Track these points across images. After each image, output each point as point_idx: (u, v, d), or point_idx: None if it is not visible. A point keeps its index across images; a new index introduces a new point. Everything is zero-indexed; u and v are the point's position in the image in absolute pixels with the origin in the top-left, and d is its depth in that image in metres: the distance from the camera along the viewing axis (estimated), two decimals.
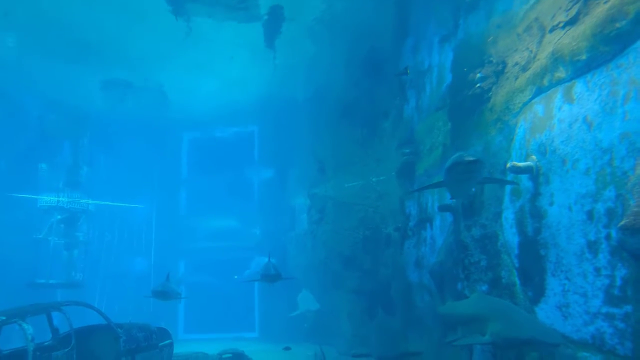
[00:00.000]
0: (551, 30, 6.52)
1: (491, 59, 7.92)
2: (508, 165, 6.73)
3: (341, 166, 15.33)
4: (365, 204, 13.77)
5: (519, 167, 6.53)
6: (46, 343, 8.29)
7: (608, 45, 5.28)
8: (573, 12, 6.06)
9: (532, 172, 6.45)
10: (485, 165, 6.31)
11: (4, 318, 6.76)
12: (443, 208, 9.29)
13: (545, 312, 6.15)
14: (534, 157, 6.47)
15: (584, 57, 5.62)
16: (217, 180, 23.27)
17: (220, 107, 18.99)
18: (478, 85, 8.00)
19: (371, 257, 13.33)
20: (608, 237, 5.20)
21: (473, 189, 7.38)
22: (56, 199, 17.97)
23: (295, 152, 19.26)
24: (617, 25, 5.15)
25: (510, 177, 7.04)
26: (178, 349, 11.26)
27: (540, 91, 6.52)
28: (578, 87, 5.76)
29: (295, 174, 19.97)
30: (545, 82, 6.37)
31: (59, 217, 17.98)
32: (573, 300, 5.70)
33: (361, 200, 13.92)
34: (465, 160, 5.69)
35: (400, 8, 12.02)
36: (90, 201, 18.95)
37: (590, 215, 5.46)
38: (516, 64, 7.29)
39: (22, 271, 16.69)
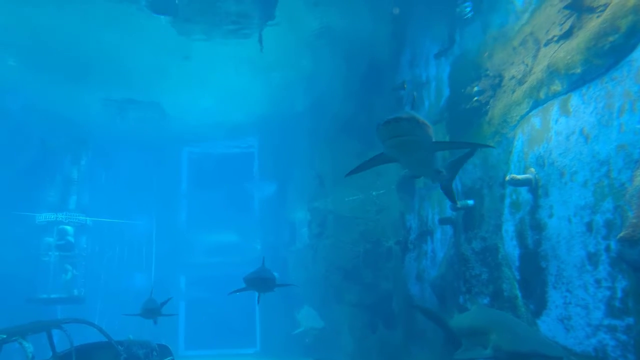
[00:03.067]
0: (546, 44, 6.62)
1: (488, 72, 8.00)
2: (507, 177, 6.77)
3: (341, 180, 15.35)
4: (365, 218, 13.77)
5: (518, 180, 6.57)
6: None
7: (602, 58, 5.36)
8: (567, 26, 6.15)
9: (531, 185, 6.49)
10: (423, 126, 4.64)
11: (4, 336, 6.74)
12: (443, 221, 9.30)
13: (547, 325, 6.14)
14: (532, 169, 6.52)
15: (578, 70, 5.69)
16: (217, 195, 23.28)
17: (219, 123, 19.07)
18: (475, 98, 8.08)
19: (372, 271, 13.31)
20: (607, 248, 5.21)
21: (433, 164, 5.83)
22: (55, 215, 17.97)
23: (294, 166, 19.31)
24: (610, 39, 5.23)
25: (509, 189, 7.08)
26: None
27: (537, 104, 6.59)
28: (574, 99, 5.82)
29: (295, 188, 19.99)
30: (542, 95, 6.44)
31: (58, 233, 17.96)
32: (575, 313, 5.69)
33: (361, 213, 13.92)
34: (386, 120, 4.60)
35: (397, 23, 12.15)
36: (89, 218, 18.94)
37: (589, 227, 5.48)
38: (513, 77, 7.37)
39: (21, 287, 16.63)
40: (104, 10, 11.54)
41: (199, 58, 13.84)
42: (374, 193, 13.72)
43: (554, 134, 6.16)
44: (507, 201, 7.15)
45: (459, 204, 8.11)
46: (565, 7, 6.12)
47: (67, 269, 17.79)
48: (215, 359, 18.83)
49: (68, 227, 18.13)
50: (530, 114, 6.74)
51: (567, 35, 6.14)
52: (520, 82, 7.10)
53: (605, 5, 5.47)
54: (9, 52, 13.72)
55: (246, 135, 21.19)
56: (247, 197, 24.12)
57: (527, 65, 7.03)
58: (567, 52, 5.94)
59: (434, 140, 4.98)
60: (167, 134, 19.86)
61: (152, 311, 10.83)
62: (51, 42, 12.96)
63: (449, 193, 6.64)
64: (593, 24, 5.60)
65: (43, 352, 8.03)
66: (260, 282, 9.25)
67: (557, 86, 6.11)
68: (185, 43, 13.06)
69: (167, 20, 12.12)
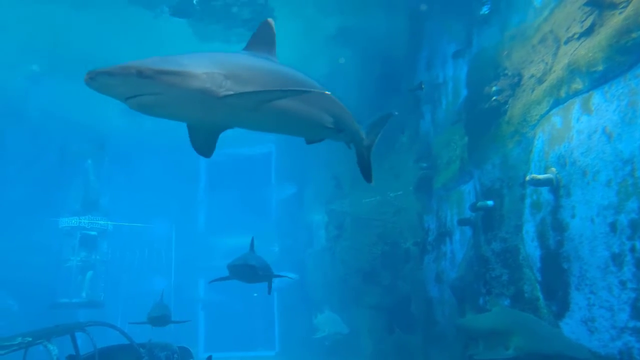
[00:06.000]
0: (566, 42, 6.52)
1: (506, 71, 7.91)
2: (527, 178, 6.69)
3: (358, 182, 15.28)
4: (383, 219, 13.71)
5: (539, 180, 6.48)
6: None
7: (624, 55, 5.26)
8: (588, 23, 6.05)
9: (552, 185, 6.40)
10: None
11: (30, 339, 6.86)
12: (462, 222, 9.22)
13: (571, 327, 6.03)
14: (553, 169, 6.42)
15: (600, 67, 5.59)
16: (235, 198, 23.43)
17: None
18: (494, 98, 7.99)
19: (390, 273, 13.25)
20: (632, 249, 5.11)
21: None
22: (77, 220, 18.25)
23: (311, 168, 19.33)
24: (633, 35, 5.14)
25: (529, 190, 6.99)
26: None
27: (557, 103, 6.49)
28: (596, 98, 5.73)
29: (312, 190, 20.02)
30: (562, 93, 6.35)
31: (79, 238, 18.24)
32: (599, 315, 5.59)
33: (379, 215, 13.87)
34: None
35: (413, 23, 12.10)
36: (110, 222, 19.21)
37: (613, 227, 5.38)
38: (532, 76, 7.28)
39: (44, 292, 16.94)
40: (123, 15, 11.72)
41: None
42: (391, 194, 13.66)
43: (575, 132, 6.06)
44: (528, 201, 7.06)
45: (479, 204, 8.04)
46: (586, 4, 6.03)
47: (88, 273, 18.06)
48: None
49: (89, 232, 18.40)
50: (550, 112, 6.65)
51: (588, 32, 6.04)
52: (540, 81, 7.00)
53: (628, 2, 5.38)
54: (34, 57, 14.00)
55: (263, 138, 21.28)
56: (265, 199, 24.23)
57: (547, 63, 6.93)
58: (588, 50, 5.85)
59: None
60: (185, 137, 20.04)
61: (160, 319, 10.04)
62: (72, 47, 13.20)
63: (367, 165, 5.95)
64: (615, 20, 5.50)
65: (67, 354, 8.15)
66: (240, 270, 7.89)
67: (578, 84, 6.02)
68: (202, 46, 13.17)
69: (185, 23, 12.24)
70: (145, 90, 3.56)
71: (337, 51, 13.70)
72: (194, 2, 11.31)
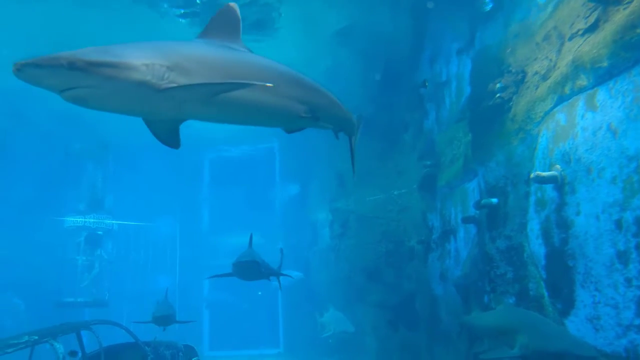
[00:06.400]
0: (570, 38, 6.48)
1: (510, 68, 7.89)
2: (532, 175, 6.66)
3: (362, 180, 15.31)
4: (387, 218, 13.71)
5: (543, 177, 6.45)
6: None
7: (629, 51, 5.23)
8: (592, 19, 6.02)
9: (556, 182, 6.37)
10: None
11: (36, 337, 6.91)
12: (467, 220, 9.20)
13: (576, 325, 6.01)
14: (558, 166, 6.40)
15: (605, 64, 5.56)
16: (238, 197, 23.48)
17: (237, 126, 19.17)
18: (498, 95, 7.97)
19: (394, 271, 13.24)
20: (638, 246, 5.09)
21: None
22: (82, 219, 18.33)
23: (315, 166, 19.34)
24: (638, 31, 5.10)
25: (534, 187, 6.96)
26: None
27: (561, 100, 6.46)
28: (600, 94, 5.69)
29: (316, 188, 20.03)
30: (567, 90, 6.32)
31: (85, 237, 18.32)
32: (604, 312, 5.57)
33: (383, 213, 13.86)
34: None
35: (416, 21, 12.06)
36: (115, 222, 19.28)
37: (618, 224, 5.35)
38: (536, 73, 7.25)
39: (50, 291, 17.03)
40: (126, 15, 11.71)
41: None
42: (395, 192, 13.65)
43: (580, 129, 6.03)
44: (532, 199, 7.03)
45: (483, 202, 8.02)
46: (590, 0, 6.00)
47: (92, 272, 18.13)
48: (239, 359, 18.98)
49: (94, 231, 18.47)
50: (554, 109, 6.62)
51: (592, 28, 6.00)
52: (544, 78, 6.97)
53: None
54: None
55: (266, 136, 21.28)
56: (269, 198, 24.26)
57: (550, 60, 6.90)
58: (592, 46, 5.82)
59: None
60: (188, 136, 20.05)
61: (165, 318, 9.96)
62: (76, 47, 13.20)
63: (353, 150, 5.88)
64: (620, 16, 5.47)
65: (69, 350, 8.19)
66: (246, 267, 7.69)
67: (582, 81, 5.99)
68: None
69: (186, 23, 12.24)
70: (79, 82, 3.31)
71: (340, 49, 13.68)
72: (197, 1, 11.31)
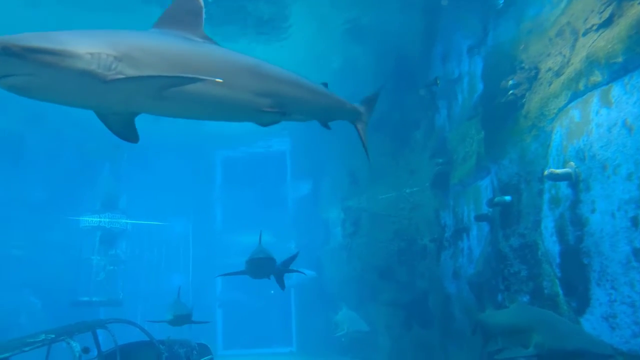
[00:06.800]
0: (584, 34, 6.41)
1: (523, 65, 7.81)
2: (545, 172, 6.60)
3: (374, 178, 15.29)
4: (399, 216, 13.67)
5: (557, 174, 6.40)
6: None
7: None
8: (606, 14, 5.94)
9: (571, 179, 6.31)
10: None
11: (53, 336, 7.00)
12: (479, 218, 9.15)
13: (591, 324, 5.96)
14: (572, 163, 6.33)
15: (620, 59, 5.49)
16: (250, 196, 23.55)
17: (252, 124, 19.22)
18: (511, 92, 7.90)
19: (407, 269, 13.21)
20: None
21: None
22: (97, 219, 18.55)
23: (327, 165, 19.34)
24: None
25: (548, 185, 6.90)
26: None
27: (575, 96, 6.40)
28: (615, 90, 5.62)
29: (328, 187, 20.04)
30: (581, 86, 6.25)
31: (99, 237, 18.53)
32: (620, 311, 5.50)
33: (395, 211, 13.83)
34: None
35: (428, 18, 12.01)
36: (129, 221, 19.46)
37: (635, 221, 5.29)
38: (549, 69, 7.18)
39: (66, 290, 17.25)
40: (137, 13, 11.80)
41: None
42: (407, 190, 13.61)
43: (594, 126, 5.96)
44: (546, 196, 6.97)
45: (496, 200, 7.96)
46: None
47: (107, 272, 18.34)
48: (252, 358, 19.06)
49: (109, 231, 18.68)
50: (568, 106, 6.55)
51: (607, 23, 5.92)
52: (558, 74, 6.90)
53: None
54: None
55: (278, 135, 21.29)
56: (281, 197, 24.29)
57: (564, 56, 6.83)
58: (607, 41, 5.75)
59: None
60: (200, 136, 20.17)
61: (183, 318, 9.86)
62: None
63: (365, 139, 5.40)
64: (635, 11, 5.39)
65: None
66: (260, 263, 7.59)
67: (597, 77, 5.92)
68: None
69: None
70: (15, 70, 3.04)
71: (352, 47, 13.66)
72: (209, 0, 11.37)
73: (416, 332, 12.69)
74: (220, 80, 3.58)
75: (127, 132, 4.11)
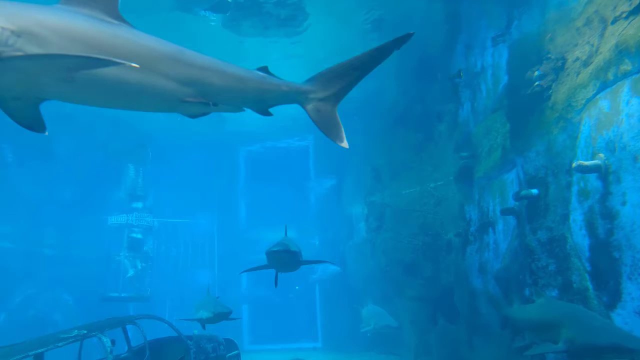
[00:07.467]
0: (613, 22, 6.24)
1: (549, 55, 7.66)
2: (574, 164, 6.47)
3: (397, 173, 15.21)
4: (423, 210, 13.57)
5: (586, 166, 6.26)
6: (123, 355, 8.72)
7: None
8: (637, 1, 5.77)
9: (600, 171, 6.17)
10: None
11: (85, 332, 7.21)
12: (505, 212, 9.02)
13: (623, 318, 5.83)
14: (601, 155, 6.19)
15: None
16: (274, 192, 23.68)
17: (274, 119, 19.26)
18: (537, 83, 7.75)
19: (432, 264, 13.11)
20: None
21: None
22: (125, 217, 18.95)
23: (350, 160, 19.30)
24: None
25: (576, 177, 6.76)
26: None
27: (605, 86, 6.24)
28: None
29: (351, 182, 20.01)
30: (610, 76, 6.10)
31: (127, 235, 18.93)
32: None
33: (419, 206, 13.72)
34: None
35: (450, 8, 11.84)
36: (156, 219, 19.81)
37: None
38: (577, 59, 7.02)
39: (96, 287, 17.69)
40: (162, 16, 11.95)
41: (252, 56, 14.06)
42: (431, 185, 13.49)
43: (625, 116, 5.81)
44: (575, 189, 6.83)
45: (523, 193, 7.83)
46: None
47: (135, 269, 18.72)
48: (278, 353, 19.22)
49: (136, 229, 19.07)
50: (597, 96, 6.40)
51: (637, 10, 5.76)
52: (586, 64, 6.74)
53: None
54: None
55: (301, 131, 21.34)
56: (304, 192, 24.35)
57: (592, 45, 6.66)
58: (638, 29, 5.59)
59: None
60: (224, 133, 20.36)
61: (221, 316, 9.53)
62: None
63: (331, 123, 4.75)
64: None
65: (119, 346, 8.51)
66: (279, 256, 7.29)
67: (627, 65, 5.76)
68: (237, 41, 13.27)
69: (218, 19, 12.38)
70: None
71: (373, 41, 13.56)
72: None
73: (442, 327, 12.60)
74: (137, 66, 3.23)
75: (31, 120, 3.65)
